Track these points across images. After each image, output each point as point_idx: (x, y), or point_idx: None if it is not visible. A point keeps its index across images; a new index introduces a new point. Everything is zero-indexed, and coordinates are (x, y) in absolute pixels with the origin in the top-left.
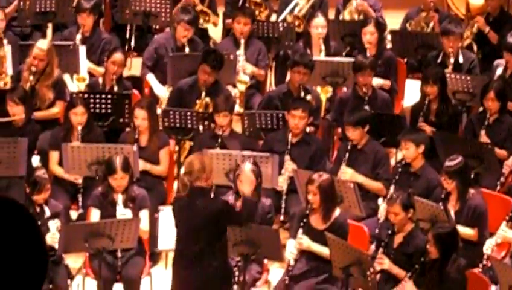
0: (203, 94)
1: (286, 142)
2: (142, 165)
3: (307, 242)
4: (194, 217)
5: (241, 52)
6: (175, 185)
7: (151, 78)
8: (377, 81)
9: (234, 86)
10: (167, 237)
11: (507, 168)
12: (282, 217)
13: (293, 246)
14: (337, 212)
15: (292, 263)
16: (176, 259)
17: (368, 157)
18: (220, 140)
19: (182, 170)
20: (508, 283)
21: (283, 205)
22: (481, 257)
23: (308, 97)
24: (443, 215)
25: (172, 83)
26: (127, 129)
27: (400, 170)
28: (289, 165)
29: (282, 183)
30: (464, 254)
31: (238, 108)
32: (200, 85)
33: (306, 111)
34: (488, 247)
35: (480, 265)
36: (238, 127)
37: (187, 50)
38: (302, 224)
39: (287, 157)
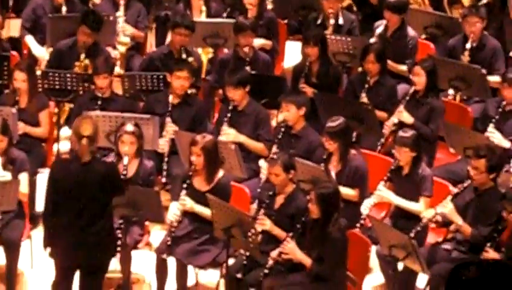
0: (83, 56)
1: (167, 103)
2: (22, 127)
3: (189, 203)
4: (89, 180)
5: (120, 13)
6: (55, 147)
7: (29, 40)
8: (258, 42)
9: (114, 47)
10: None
11: (387, 129)
12: (164, 179)
13: (175, 207)
14: (220, 173)
15: (175, 224)
16: (60, 227)
17: (249, 118)
18: (100, 102)
19: (72, 134)
20: (388, 243)
21: (165, 167)
22: (360, 216)
23: (190, 59)
24: (324, 176)
25: (52, 44)
26: (6, 91)
27: (281, 131)
28: (170, 127)
29: (163, 146)
30: (345, 214)
31: (118, 69)
32: (79, 46)
33: (190, 72)
34: (366, 207)
35: (358, 225)
36: (118, 89)
37: (64, 10)
38: (185, 186)
39: (168, 119)
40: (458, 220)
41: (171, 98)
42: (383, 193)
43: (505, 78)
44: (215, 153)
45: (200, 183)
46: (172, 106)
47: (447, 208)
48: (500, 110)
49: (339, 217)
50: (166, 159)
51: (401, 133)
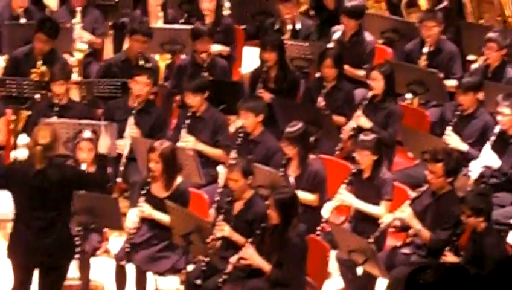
0: (39, 63)
1: (127, 109)
2: None
3: (148, 210)
4: (46, 185)
5: (77, 20)
6: (12, 154)
7: None
8: (215, 48)
9: (71, 54)
10: (2, 206)
11: (345, 134)
12: (119, 179)
13: (134, 214)
14: (178, 180)
15: (133, 231)
16: (20, 228)
17: (208, 124)
18: (57, 109)
19: (30, 141)
20: (347, 247)
21: (121, 168)
22: (320, 221)
23: (148, 65)
24: (282, 182)
25: (8, 51)
26: None
27: (240, 136)
28: (132, 129)
29: (122, 147)
30: (304, 219)
31: (75, 76)
32: (36, 54)
33: (150, 78)
34: (327, 210)
35: (318, 228)
36: (76, 96)
37: (22, 20)
38: (143, 192)
39: (131, 121)
40: (416, 224)
41: (136, 103)
42: (344, 196)
43: (460, 84)
44: (173, 159)
45: (158, 190)
46: (132, 112)
47: (405, 212)
48: (458, 113)
49: (297, 222)
50: (124, 160)
51: (362, 137)
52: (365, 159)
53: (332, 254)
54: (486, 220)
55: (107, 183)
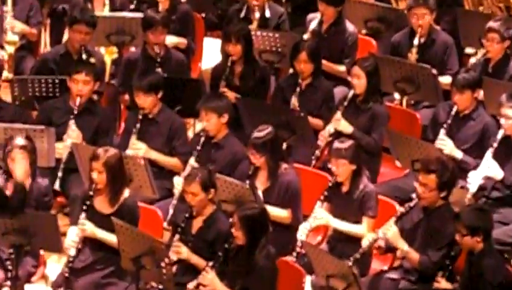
0: None
1: (66, 111)
2: None
3: (90, 228)
4: None
5: (8, 8)
6: None
7: None
8: (170, 40)
9: (1, 47)
10: None
11: (323, 140)
12: (56, 186)
13: (74, 233)
14: (126, 193)
15: (73, 253)
16: None
17: (162, 128)
18: None
19: None
20: (325, 272)
21: (60, 174)
22: (294, 242)
23: (91, 60)
24: (249, 195)
25: None
26: None
27: (200, 141)
28: (73, 132)
29: (61, 150)
30: (274, 239)
31: (6, 73)
32: None
33: (90, 75)
34: (302, 232)
35: (294, 253)
36: (7, 95)
37: None
38: (85, 207)
39: (71, 122)
40: (403, 245)
41: (76, 103)
42: (320, 215)
43: (455, 81)
44: (120, 169)
45: (102, 205)
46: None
47: (389, 231)
48: (453, 114)
49: (267, 243)
50: (62, 165)
51: (336, 144)
52: (342, 169)
53: (308, 280)
54: (484, 239)
55: (22, 208)
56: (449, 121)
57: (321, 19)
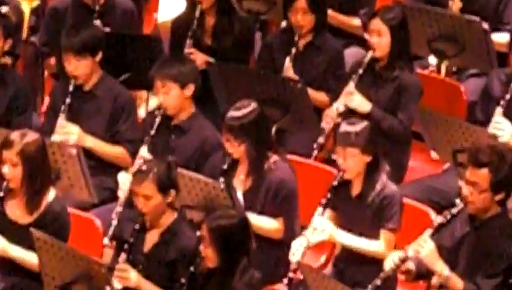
0: None
1: None
2: None
3: (1, 245)
4: None
5: None
6: None
7: None
8: None
9: None
10: None
11: (329, 122)
12: None
13: None
14: (50, 195)
15: None
16: None
17: (102, 105)
18: None
19: None
20: None
21: None
22: (287, 265)
23: (3, 9)
24: (224, 198)
25: None
26: None
27: (155, 123)
28: None
29: None
30: (260, 260)
31: None
32: None
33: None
34: (298, 251)
35: (286, 280)
36: None
37: None
38: None
39: None
40: (442, 268)
41: None
42: (321, 226)
43: None
44: (42, 161)
45: (17, 212)
46: None
47: (424, 249)
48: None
49: (249, 266)
50: None
51: (344, 126)
52: (352, 162)
53: None
54: None
55: None
56: (508, 96)
57: None
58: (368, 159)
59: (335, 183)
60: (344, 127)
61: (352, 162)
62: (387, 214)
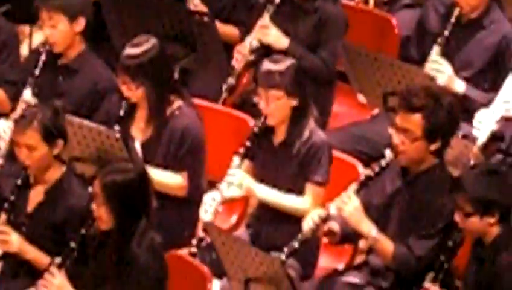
0: None
1: None
2: None
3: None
4: None
5: None
6: None
7: None
8: None
9: None
10: None
11: (240, 60)
12: None
13: None
14: None
15: None
16: None
17: None
18: None
19: None
20: (243, 273)
21: None
22: (195, 226)
23: None
24: (120, 149)
25: None
26: None
27: (40, 63)
28: None
29: None
30: (161, 221)
31: None
32: None
33: None
34: (208, 209)
35: (194, 243)
36: None
37: None
38: None
39: None
40: (369, 229)
41: None
42: (238, 179)
43: None
44: None
45: None
46: None
47: (348, 206)
48: (452, 20)
49: (149, 228)
50: None
51: (267, 64)
52: (276, 106)
53: (216, 286)
54: (501, 221)
55: None
56: (446, 32)
57: None
58: (294, 102)
59: (255, 129)
60: (266, 66)
61: (276, 106)
62: (314, 165)
